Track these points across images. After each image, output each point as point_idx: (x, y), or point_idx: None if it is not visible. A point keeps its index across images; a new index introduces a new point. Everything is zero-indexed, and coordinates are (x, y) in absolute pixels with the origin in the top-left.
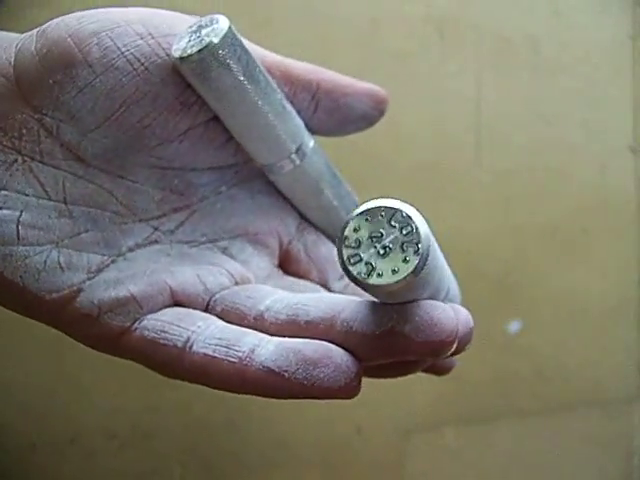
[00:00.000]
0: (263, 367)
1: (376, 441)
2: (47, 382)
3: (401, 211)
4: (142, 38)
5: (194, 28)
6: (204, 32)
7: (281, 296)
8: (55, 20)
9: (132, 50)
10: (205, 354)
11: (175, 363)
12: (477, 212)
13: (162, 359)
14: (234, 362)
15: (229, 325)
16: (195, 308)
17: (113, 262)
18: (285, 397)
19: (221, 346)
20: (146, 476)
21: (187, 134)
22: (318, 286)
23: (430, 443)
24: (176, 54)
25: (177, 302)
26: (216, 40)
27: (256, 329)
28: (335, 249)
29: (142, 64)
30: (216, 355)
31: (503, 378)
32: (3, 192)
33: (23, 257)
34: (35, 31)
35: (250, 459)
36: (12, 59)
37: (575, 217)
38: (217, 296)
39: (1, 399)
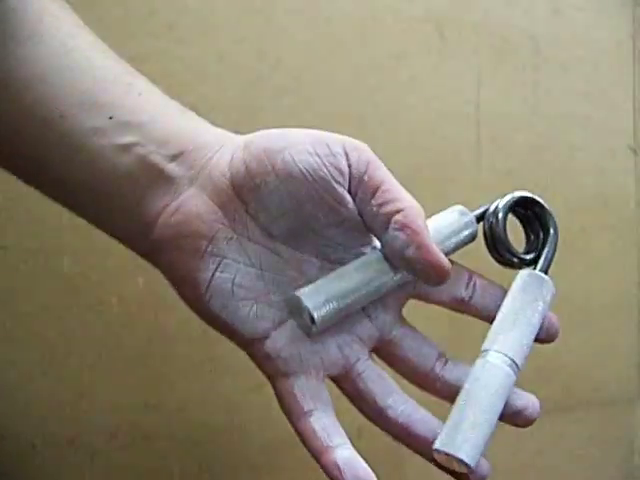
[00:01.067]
0: (334, 462)
1: (376, 442)
2: (47, 383)
3: None
4: (312, 156)
5: (292, 305)
6: (301, 316)
7: (401, 399)
8: (256, 135)
9: (305, 164)
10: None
11: (292, 419)
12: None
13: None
14: (320, 445)
15: (336, 423)
16: (334, 373)
17: (289, 319)
18: None
19: (324, 430)
20: (146, 476)
21: (343, 223)
22: (434, 349)
23: None
24: (312, 332)
25: (324, 367)
26: (315, 330)
27: (377, 419)
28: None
29: (311, 175)
30: (314, 433)
31: None
32: (225, 260)
33: (235, 308)
34: (243, 143)
35: (250, 459)
36: (227, 169)
37: (575, 217)
38: (358, 366)
39: (0, 400)
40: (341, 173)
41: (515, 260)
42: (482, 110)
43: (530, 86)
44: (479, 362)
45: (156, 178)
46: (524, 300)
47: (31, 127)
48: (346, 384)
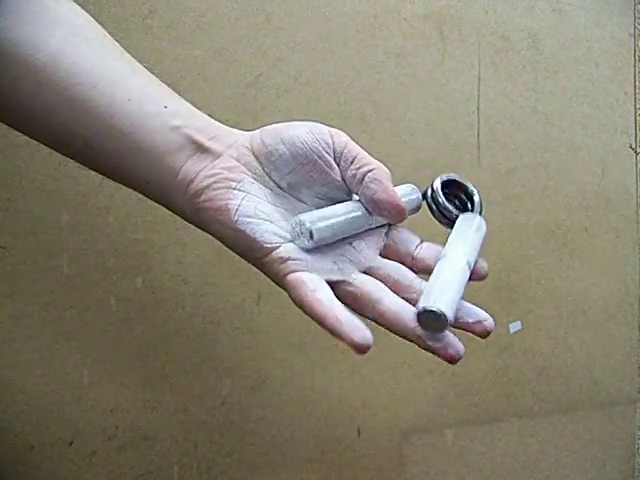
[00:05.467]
0: (335, 317)
1: (376, 442)
2: (47, 383)
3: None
4: (308, 134)
5: (295, 226)
6: (302, 234)
7: (391, 296)
8: (266, 128)
9: (304, 138)
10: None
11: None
12: None
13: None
14: (324, 309)
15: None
16: (332, 279)
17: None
18: None
19: (328, 299)
20: (145, 477)
21: (330, 183)
22: (403, 268)
23: (430, 444)
24: (307, 246)
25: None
26: (310, 245)
27: (370, 314)
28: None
29: (308, 145)
30: (320, 301)
31: (503, 379)
32: (248, 195)
33: (257, 224)
34: (257, 131)
35: (250, 459)
36: (249, 143)
37: (576, 216)
38: (353, 276)
39: (0, 400)
40: (328, 146)
41: (454, 215)
42: (482, 110)
43: (530, 85)
44: (440, 261)
45: (199, 150)
46: (466, 227)
47: (95, 114)
48: (341, 290)
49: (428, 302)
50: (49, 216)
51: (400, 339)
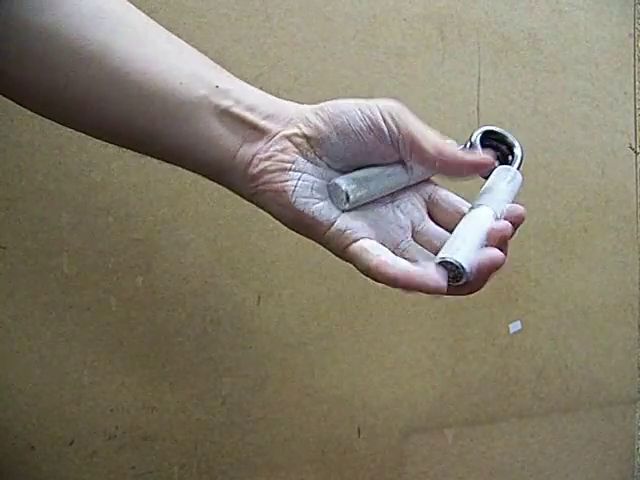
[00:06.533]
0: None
1: (376, 441)
2: (46, 383)
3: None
4: (361, 121)
5: (332, 190)
6: (340, 196)
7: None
8: (320, 105)
9: (357, 127)
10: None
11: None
12: None
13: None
14: (392, 269)
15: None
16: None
17: (348, 212)
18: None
19: (393, 260)
20: (145, 477)
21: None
22: (445, 235)
23: (430, 444)
24: (344, 207)
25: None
26: (347, 207)
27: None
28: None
29: (362, 136)
30: (386, 263)
31: (503, 378)
32: (304, 175)
33: (314, 203)
34: (313, 110)
35: (250, 459)
36: (302, 124)
37: (576, 216)
38: (403, 244)
39: (0, 400)
40: (382, 132)
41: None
42: (482, 110)
43: (530, 85)
44: (468, 212)
45: (253, 130)
46: (498, 179)
47: (150, 100)
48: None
49: (447, 253)
50: (49, 216)
51: (399, 340)
